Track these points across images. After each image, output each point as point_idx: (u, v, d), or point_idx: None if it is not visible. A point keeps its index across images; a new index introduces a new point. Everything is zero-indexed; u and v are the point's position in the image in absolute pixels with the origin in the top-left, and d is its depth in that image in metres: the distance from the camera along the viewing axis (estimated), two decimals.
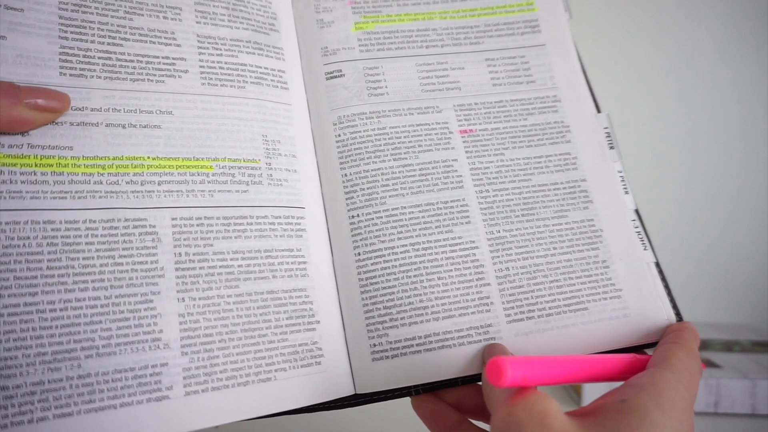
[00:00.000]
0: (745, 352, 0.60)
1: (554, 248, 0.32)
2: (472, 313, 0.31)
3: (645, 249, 0.33)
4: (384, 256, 0.31)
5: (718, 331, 0.67)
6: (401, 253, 0.31)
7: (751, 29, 0.64)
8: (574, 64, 0.38)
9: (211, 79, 0.33)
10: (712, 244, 0.65)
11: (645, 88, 0.64)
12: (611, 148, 0.36)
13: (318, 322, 0.31)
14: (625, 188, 0.35)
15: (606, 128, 0.36)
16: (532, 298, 0.31)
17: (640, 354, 0.29)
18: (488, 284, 0.31)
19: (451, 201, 0.33)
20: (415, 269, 0.31)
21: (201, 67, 0.33)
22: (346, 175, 0.33)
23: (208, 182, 0.31)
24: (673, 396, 0.23)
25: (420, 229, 0.32)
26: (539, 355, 0.27)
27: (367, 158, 0.33)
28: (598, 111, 0.37)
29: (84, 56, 0.30)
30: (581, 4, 0.63)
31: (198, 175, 0.31)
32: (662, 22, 0.64)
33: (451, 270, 0.31)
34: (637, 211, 0.35)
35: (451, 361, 0.30)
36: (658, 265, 0.34)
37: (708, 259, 0.66)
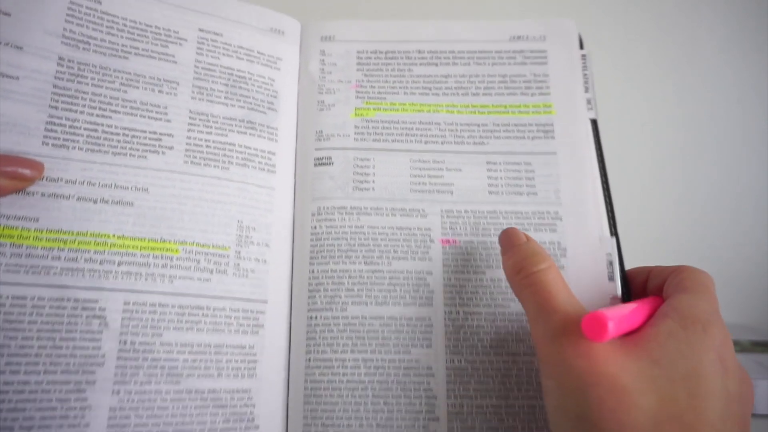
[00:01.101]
0: (745, 352, 0.57)
1: (519, 389, 0.30)
2: None
3: None
4: (333, 367, 0.30)
5: None
6: (351, 367, 0.30)
7: (751, 29, 0.64)
8: (587, 177, 0.34)
9: (195, 157, 0.32)
10: (712, 244, 0.64)
11: (645, 88, 0.64)
12: (610, 279, 0.32)
13: (257, 427, 0.30)
14: None
15: (609, 254, 0.33)
16: None
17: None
18: (437, 419, 0.29)
19: (416, 319, 0.31)
20: (362, 388, 0.29)
21: (187, 144, 0.33)
22: (313, 271, 0.32)
23: (171, 267, 0.30)
24: (695, 313, 0.25)
25: (376, 345, 0.30)
26: (620, 307, 0.27)
27: (338, 257, 0.32)
28: (612, 233, 0.33)
29: (70, 126, 0.30)
30: (581, 4, 0.63)
31: (162, 258, 0.30)
32: (662, 23, 0.65)
33: (401, 396, 0.29)
34: None
35: None
36: None
37: (708, 259, 0.64)
